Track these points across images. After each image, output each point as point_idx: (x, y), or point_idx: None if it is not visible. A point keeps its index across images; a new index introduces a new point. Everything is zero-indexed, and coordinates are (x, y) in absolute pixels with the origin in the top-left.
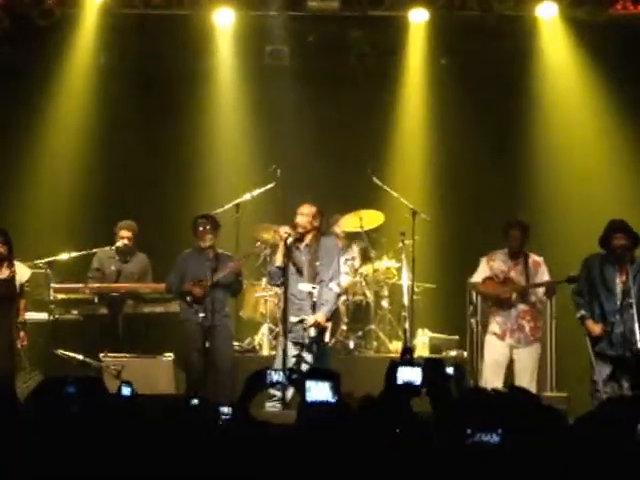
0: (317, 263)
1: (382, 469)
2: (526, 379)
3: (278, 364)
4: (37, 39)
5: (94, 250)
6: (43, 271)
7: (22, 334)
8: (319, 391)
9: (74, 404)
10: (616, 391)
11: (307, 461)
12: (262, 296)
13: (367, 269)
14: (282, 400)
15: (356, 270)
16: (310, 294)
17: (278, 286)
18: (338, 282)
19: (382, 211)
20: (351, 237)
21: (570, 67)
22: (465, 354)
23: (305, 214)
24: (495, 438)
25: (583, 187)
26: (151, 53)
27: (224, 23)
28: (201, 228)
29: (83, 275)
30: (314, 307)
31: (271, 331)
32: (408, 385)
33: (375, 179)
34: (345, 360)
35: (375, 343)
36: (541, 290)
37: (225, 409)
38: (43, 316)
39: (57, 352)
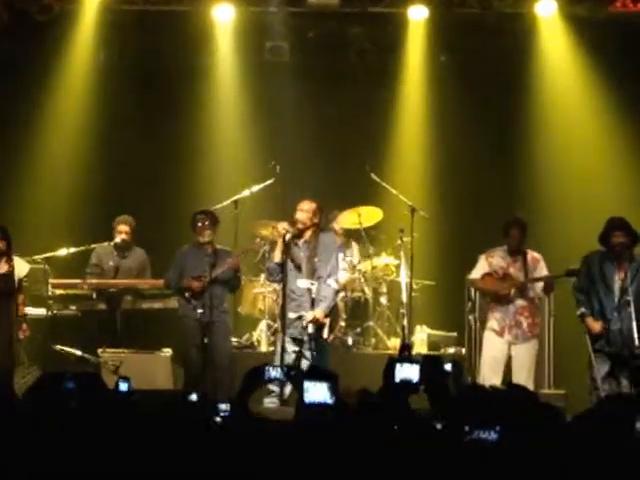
0: (316, 259)
1: (380, 466)
2: (523, 376)
3: (276, 360)
4: (36, 35)
5: (92, 246)
6: (41, 267)
7: (24, 326)
8: (317, 392)
9: (72, 399)
10: (614, 389)
11: (306, 457)
12: (260, 292)
13: (366, 266)
14: (280, 396)
15: (354, 267)
16: (309, 290)
17: (277, 282)
18: (336, 278)
19: (381, 208)
20: (349, 234)
21: (570, 65)
22: (463, 351)
23: (305, 210)
24: (493, 435)
25: (582, 185)
26: (150, 49)
27: (224, 19)
28: (200, 224)
29: (81, 271)
30: (313, 303)
31: (269, 327)
32: (406, 382)
33: (374, 176)
34: (343, 357)
35: (373, 340)
36: (539, 286)
37: (223, 405)
38: (41, 311)
39: (55, 347)
